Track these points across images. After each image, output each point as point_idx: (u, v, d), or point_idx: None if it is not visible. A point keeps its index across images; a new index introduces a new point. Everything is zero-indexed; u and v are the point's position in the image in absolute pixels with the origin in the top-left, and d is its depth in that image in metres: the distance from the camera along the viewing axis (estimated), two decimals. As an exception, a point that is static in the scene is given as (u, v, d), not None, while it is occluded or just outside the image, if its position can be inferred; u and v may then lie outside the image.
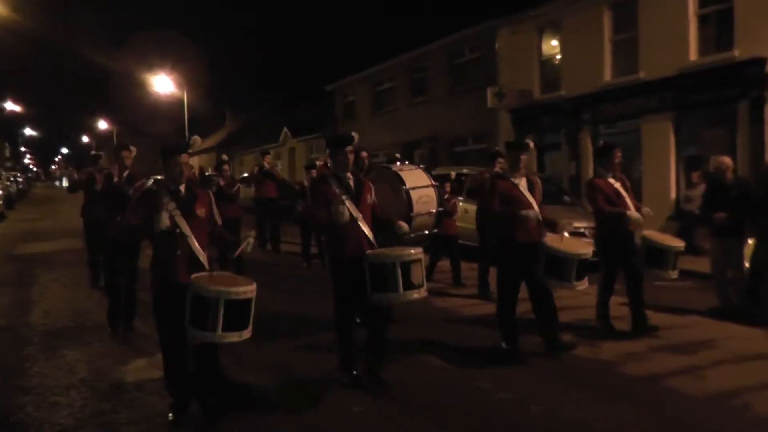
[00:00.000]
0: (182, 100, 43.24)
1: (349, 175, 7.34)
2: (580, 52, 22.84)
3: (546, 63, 25.24)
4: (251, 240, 6.44)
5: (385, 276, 6.83)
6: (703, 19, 19.27)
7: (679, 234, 16.88)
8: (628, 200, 9.47)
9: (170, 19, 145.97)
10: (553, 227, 8.53)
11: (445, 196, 11.95)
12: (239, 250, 6.46)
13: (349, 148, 7.27)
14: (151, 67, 47.04)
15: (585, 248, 8.43)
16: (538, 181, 8.90)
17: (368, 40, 38.37)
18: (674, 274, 9.40)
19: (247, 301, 5.87)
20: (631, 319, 9.60)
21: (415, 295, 6.89)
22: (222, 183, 15.15)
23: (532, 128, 25.01)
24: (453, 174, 12.75)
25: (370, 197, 7.42)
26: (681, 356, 8.37)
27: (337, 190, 7.14)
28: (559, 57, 24.51)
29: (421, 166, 10.63)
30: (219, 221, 6.69)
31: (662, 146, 19.78)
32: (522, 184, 8.43)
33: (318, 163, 16.98)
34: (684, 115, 19.60)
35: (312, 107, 45.63)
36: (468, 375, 7.86)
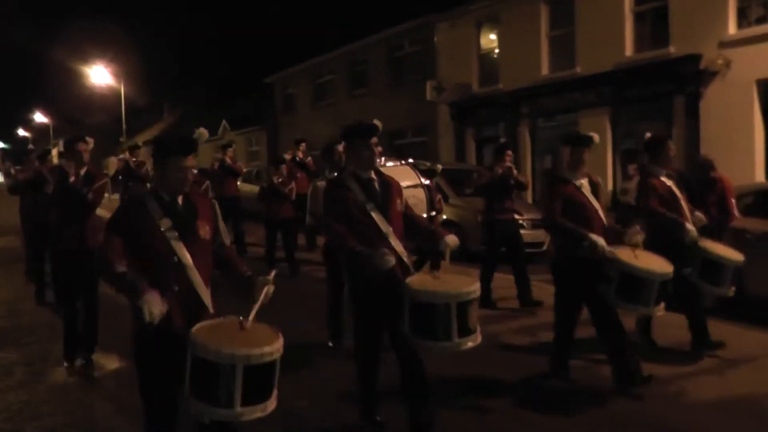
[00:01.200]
0: (119, 92, 42.57)
1: (372, 174, 5.68)
2: (518, 46, 23.14)
3: (484, 57, 25.51)
4: (271, 285, 4.41)
5: (435, 320, 5.19)
6: (639, 16, 19.77)
7: (616, 224, 17.22)
8: (684, 205, 7.98)
9: (106, 9, 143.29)
10: (619, 237, 6.88)
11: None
12: (260, 299, 4.34)
13: (375, 139, 5.71)
14: (87, 57, 46.27)
15: (666, 266, 6.73)
16: (600, 181, 7.94)
17: (308, 32, 38.33)
18: (731, 292, 7.74)
19: (272, 363, 4.17)
20: (692, 339, 8.32)
21: (470, 343, 5.30)
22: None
23: (471, 121, 25.29)
24: (439, 168, 11.68)
25: (401, 202, 5.79)
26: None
27: (359, 197, 5.56)
28: (497, 51, 24.79)
29: (409, 161, 9.99)
30: (228, 240, 4.82)
31: (600, 139, 20.10)
32: (585, 186, 6.96)
33: (286, 156, 16.30)
34: (621, 110, 20.07)
35: (251, 99, 45.30)
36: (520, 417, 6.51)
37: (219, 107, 49.59)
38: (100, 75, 43.65)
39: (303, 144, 17.65)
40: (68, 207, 7.85)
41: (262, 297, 4.31)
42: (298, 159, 17.11)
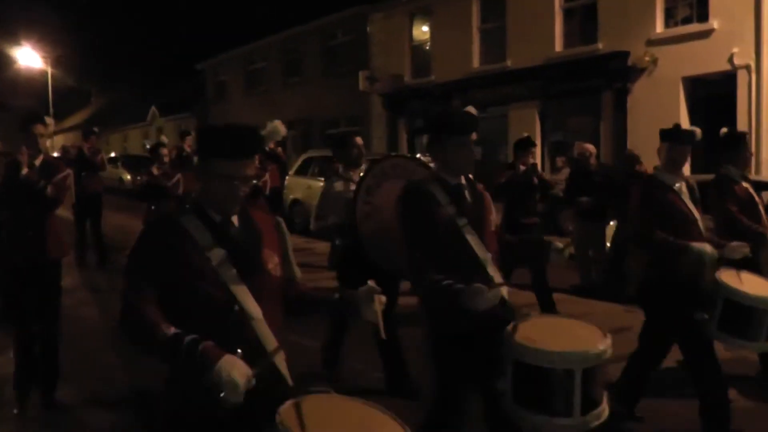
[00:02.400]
0: (46, 75, 41.74)
1: (462, 180, 4.27)
2: (449, 39, 23.41)
3: (417, 48, 25.73)
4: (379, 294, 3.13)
5: (550, 389, 3.81)
6: (568, 13, 20.25)
7: (544, 216, 17.65)
8: (763, 214, 6.58)
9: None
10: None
11: None
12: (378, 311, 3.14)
13: (474, 136, 4.27)
14: (15, 38, 45.15)
15: None
16: (695, 186, 6.84)
17: (240, 18, 38.02)
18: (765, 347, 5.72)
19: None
20: None
21: (596, 421, 3.86)
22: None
23: (403, 112, 25.48)
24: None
25: (493, 218, 4.48)
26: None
27: (448, 210, 4.09)
28: (429, 43, 25.03)
29: (417, 156, 8.66)
30: (298, 272, 3.86)
31: (529, 132, 20.47)
32: (683, 191, 5.63)
33: (164, 152, 14.38)
34: (550, 104, 20.52)
35: (182, 85, 44.84)
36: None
37: (149, 93, 48.97)
38: (27, 57, 42.73)
39: (189, 137, 15.45)
40: (21, 207, 6.18)
41: (377, 307, 3.09)
42: (268, 149, 15.10)
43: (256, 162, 11.30)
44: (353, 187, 6.43)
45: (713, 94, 16.96)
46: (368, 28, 27.10)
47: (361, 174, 6.50)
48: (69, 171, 6.51)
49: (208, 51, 38.75)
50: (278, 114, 31.54)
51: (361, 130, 26.97)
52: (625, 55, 18.11)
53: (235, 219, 3.06)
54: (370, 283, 3.13)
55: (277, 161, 14.87)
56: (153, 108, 44.86)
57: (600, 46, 18.91)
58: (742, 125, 15.83)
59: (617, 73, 18.30)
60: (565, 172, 15.01)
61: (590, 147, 11.95)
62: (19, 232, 6.19)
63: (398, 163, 6.58)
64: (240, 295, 2.92)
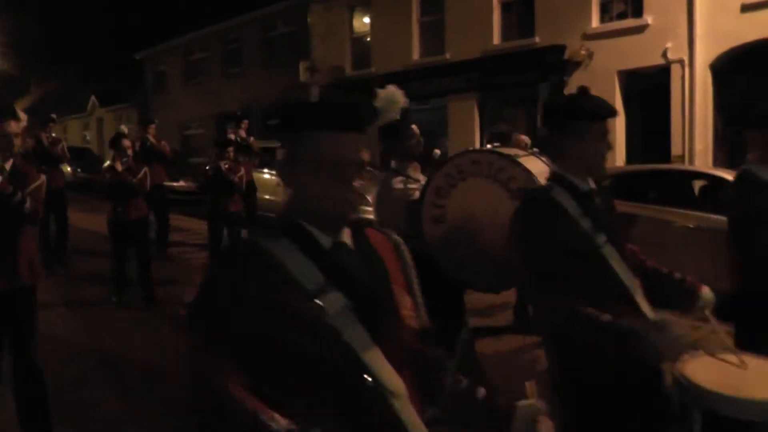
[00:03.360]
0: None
1: (592, 184, 3.35)
2: (389, 31, 23.45)
3: (357, 40, 25.73)
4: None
5: None
6: (506, 7, 20.44)
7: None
8: None
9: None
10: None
11: None
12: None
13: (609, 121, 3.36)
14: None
15: None
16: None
17: (180, 8, 37.53)
18: None
19: None
20: None
21: None
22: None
23: (344, 104, 25.47)
24: (437, 152, 9.69)
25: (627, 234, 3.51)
26: (483, 318, 8.85)
27: (583, 225, 3.16)
28: (369, 35, 25.05)
29: (535, 150, 7.11)
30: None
31: (467, 124, 20.75)
32: None
33: (126, 143, 13.44)
34: (488, 95, 20.73)
35: (121, 76, 44.16)
36: None
37: (88, 83, 48.11)
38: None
39: (153, 125, 14.42)
40: None
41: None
42: (239, 140, 14.05)
43: (231, 154, 11.17)
44: (414, 185, 5.57)
45: (648, 88, 17.29)
46: (309, 19, 27.00)
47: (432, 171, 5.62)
48: (43, 178, 5.30)
49: (147, 40, 38.12)
50: (218, 105, 31.46)
51: (230, 123, 26.96)
52: (562, 48, 18.36)
53: (347, 238, 2.09)
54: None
55: (250, 153, 14.71)
56: (93, 98, 44.11)
57: (537, 39, 19.13)
58: (675, 118, 16.20)
59: (554, 66, 18.53)
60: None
61: (524, 138, 12.06)
62: None
63: (479, 160, 5.42)
64: (373, 361, 1.96)
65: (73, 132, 47.79)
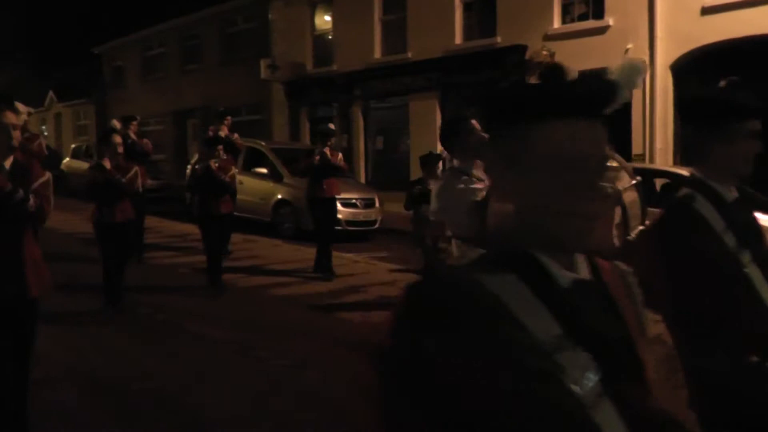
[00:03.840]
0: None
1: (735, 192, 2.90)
2: (351, 29, 23.41)
3: (319, 37, 25.67)
4: None
5: None
6: (468, 7, 20.55)
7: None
8: None
9: None
10: None
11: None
12: None
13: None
14: None
15: None
16: None
17: (138, 2, 37.03)
18: None
19: None
20: None
21: None
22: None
23: (305, 101, 25.42)
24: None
25: None
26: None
27: (728, 242, 2.73)
28: (331, 33, 24.99)
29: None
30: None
31: (429, 122, 20.77)
32: None
33: (116, 139, 12.56)
34: (449, 95, 20.75)
35: (79, 70, 43.53)
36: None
37: (46, 77, 47.29)
38: None
39: (135, 122, 13.93)
40: None
41: None
42: (223, 136, 13.03)
43: (221, 152, 10.42)
44: (478, 185, 4.99)
45: (609, 88, 17.42)
46: (270, 16, 26.85)
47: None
48: (48, 175, 4.73)
49: (105, 35, 37.56)
50: (177, 101, 31.21)
51: (263, 119, 26.83)
52: (523, 49, 18.43)
53: (584, 270, 1.53)
54: None
55: (234, 151, 13.57)
56: (50, 93, 43.42)
57: (498, 39, 19.23)
58: (636, 118, 16.36)
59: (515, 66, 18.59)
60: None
61: (486, 137, 12.14)
62: None
63: None
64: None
65: (30, 127, 46.86)
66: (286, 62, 25.61)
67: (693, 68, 15.74)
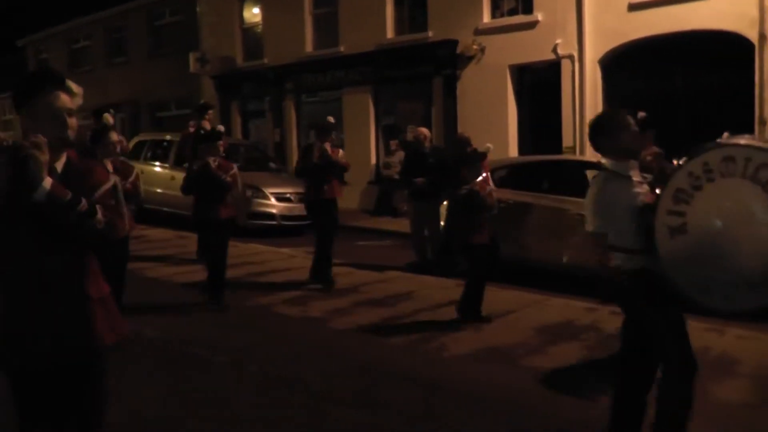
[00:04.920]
0: None
1: None
2: (282, 22, 23.29)
3: (248, 31, 25.48)
4: None
5: None
6: (398, 1, 20.60)
7: (379, 198, 18.02)
8: None
9: None
10: None
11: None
12: None
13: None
14: None
15: None
16: None
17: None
18: None
19: None
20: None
21: None
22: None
23: (236, 95, 25.24)
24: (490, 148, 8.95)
25: None
26: (382, 308, 9.04)
27: None
28: (261, 26, 24.84)
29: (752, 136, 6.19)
30: None
31: (362, 116, 20.82)
32: None
33: (190, 129, 12.00)
34: (382, 89, 20.86)
35: (3, 63, 42.33)
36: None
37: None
38: None
39: (210, 111, 12.93)
40: (35, 255, 3.17)
41: None
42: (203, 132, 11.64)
43: (221, 149, 9.26)
44: (638, 189, 4.55)
45: (539, 82, 17.73)
46: (198, 9, 26.55)
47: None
48: (114, 179, 3.99)
49: (29, 27, 36.64)
50: (104, 95, 30.58)
51: (193, 113, 26.54)
52: (454, 43, 18.60)
53: None
54: None
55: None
56: (-26, 87, 42.15)
57: (430, 34, 19.34)
58: (566, 111, 16.63)
59: (446, 60, 18.78)
60: (399, 155, 15.32)
61: (425, 131, 12.30)
62: (34, 307, 3.19)
63: (733, 156, 4.23)
64: None
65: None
66: (216, 56, 25.38)
67: (621, 63, 16.11)
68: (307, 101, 23.25)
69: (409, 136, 12.65)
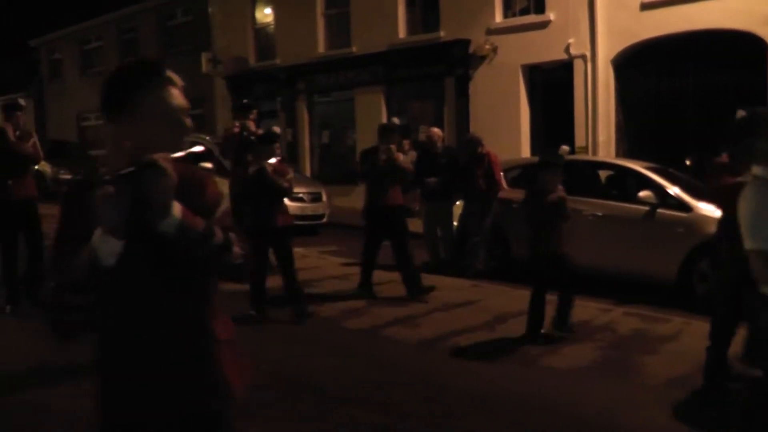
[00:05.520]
0: None
1: None
2: (294, 23, 23.33)
3: (261, 31, 25.52)
4: None
5: None
6: (410, 1, 20.64)
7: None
8: None
9: None
10: None
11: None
12: None
13: None
14: None
15: None
16: None
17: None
18: None
19: None
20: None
21: None
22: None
23: (249, 95, 25.22)
24: (566, 150, 9.06)
25: None
26: (395, 308, 9.05)
27: None
28: (273, 26, 24.88)
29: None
30: None
31: (374, 116, 20.80)
32: None
33: (234, 130, 11.23)
34: (394, 88, 20.88)
35: (16, 64, 42.44)
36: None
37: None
38: None
39: (255, 111, 11.99)
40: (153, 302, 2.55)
41: None
42: (246, 134, 11.14)
43: (278, 150, 8.53)
44: None
45: (551, 81, 17.70)
46: (209, 9, 26.61)
47: None
48: (227, 201, 3.47)
49: (42, 27, 36.66)
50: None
51: (205, 114, 26.59)
52: (466, 43, 18.61)
53: None
54: None
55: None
56: (-12, 86, 42.29)
57: (442, 34, 19.35)
58: (579, 111, 16.61)
59: (458, 60, 18.79)
60: (412, 155, 15.33)
61: (438, 131, 12.34)
62: (154, 354, 2.56)
63: None
64: None
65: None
66: (228, 56, 25.43)
67: (634, 63, 16.08)
68: (319, 101, 23.30)
69: (422, 137, 12.65)
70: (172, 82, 2.59)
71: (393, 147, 9.59)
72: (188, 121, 2.62)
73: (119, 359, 2.55)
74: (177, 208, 2.34)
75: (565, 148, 8.54)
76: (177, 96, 2.57)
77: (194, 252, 2.42)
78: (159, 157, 2.32)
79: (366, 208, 9.83)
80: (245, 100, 13.40)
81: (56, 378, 6.11)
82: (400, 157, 9.73)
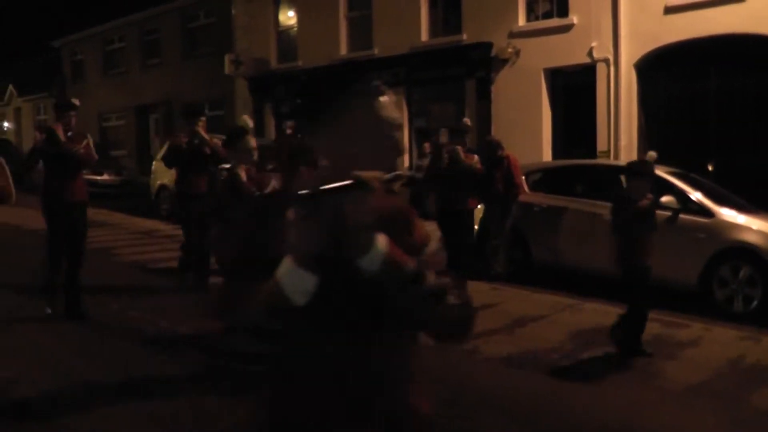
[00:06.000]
0: None
1: None
2: (316, 25, 23.39)
3: (283, 33, 25.58)
4: None
5: None
6: (433, 3, 20.62)
7: (411, 200, 17.97)
8: None
9: None
10: None
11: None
12: None
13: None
14: None
15: None
16: None
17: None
18: None
19: None
20: None
21: None
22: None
23: (270, 97, 25.34)
24: (653, 156, 8.70)
25: None
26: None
27: None
28: (296, 28, 24.94)
29: None
30: None
31: (396, 118, 20.83)
32: None
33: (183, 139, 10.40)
34: (415, 90, 20.84)
35: (39, 64, 42.80)
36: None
37: (5, 71, 46.33)
38: None
39: (203, 118, 11.14)
40: None
41: None
42: (197, 142, 10.51)
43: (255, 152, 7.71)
44: None
45: (574, 85, 17.64)
46: (232, 11, 26.72)
47: None
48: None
49: (65, 28, 36.90)
50: (138, 96, 30.92)
51: (226, 115, 26.70)
52: (488, 45, 18.59)
53: None
54: None
55: (217, 160, 10.32)
56: (10, 87, 42.63)
57: (464, 36, 19.35)
58: (601, 115, 16.55)
59: (480, 63, 18.78)
60: (431, 157, 15.34)
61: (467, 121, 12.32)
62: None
63: None
64: None
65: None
66: (250, 58, 25.52)
67: (657, 67, 15.99)
68: (340, 103, 23.36)
69: (442, 139, 12.60)
70: (383, 92, 2.24)
71: (460, 149, 9.66)
72: (400, 136, 2.24)
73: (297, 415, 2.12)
74: (383, 241, 1.92)
75: (653, 154, 8.29)
76: (390, 107, 2.22)
77: (400, 297, 1.97)
78: (369, 176, 1.97)
79: (438, 213, 10.04)
80: (190, 106, 13.05)
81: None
82: (474, 158, 9.89)
